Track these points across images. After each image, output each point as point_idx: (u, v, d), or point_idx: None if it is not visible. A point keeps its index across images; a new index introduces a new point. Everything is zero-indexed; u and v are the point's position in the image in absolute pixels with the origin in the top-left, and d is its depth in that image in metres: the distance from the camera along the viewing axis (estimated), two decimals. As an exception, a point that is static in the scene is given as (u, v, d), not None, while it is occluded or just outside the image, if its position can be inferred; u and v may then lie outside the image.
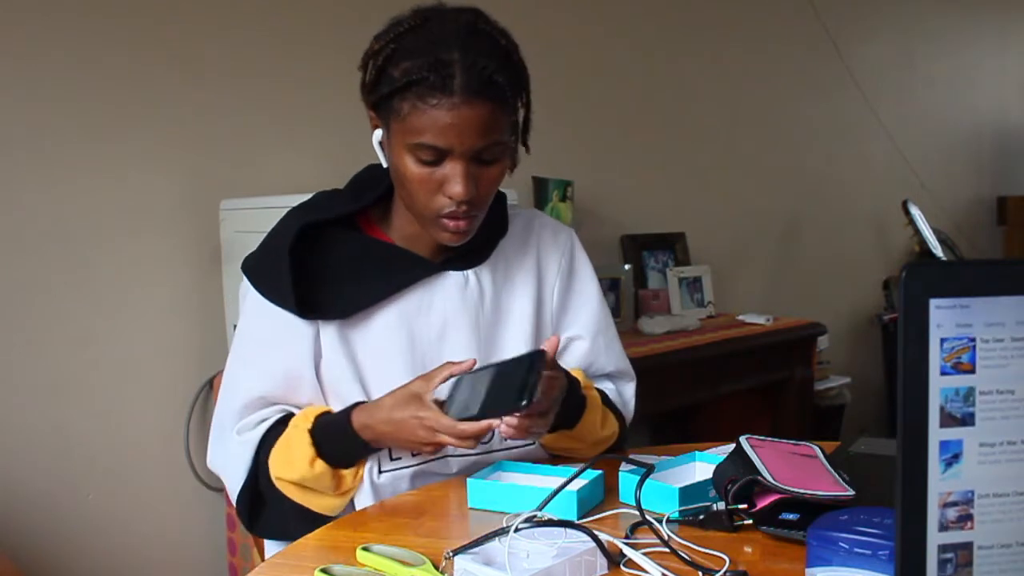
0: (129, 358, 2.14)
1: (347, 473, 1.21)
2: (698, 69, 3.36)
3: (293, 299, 1.22)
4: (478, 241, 1.28)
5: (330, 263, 1.26)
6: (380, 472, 1.24)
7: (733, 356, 2.74)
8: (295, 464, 1.18)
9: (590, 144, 2.89)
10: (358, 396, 1.24)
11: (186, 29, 2.17)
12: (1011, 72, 5.07)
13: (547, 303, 1.37)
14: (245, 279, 1.29)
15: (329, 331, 1.24)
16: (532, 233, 1.37)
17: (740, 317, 3.04)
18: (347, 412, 1.19)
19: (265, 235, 1.30)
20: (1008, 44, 5.07)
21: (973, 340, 0.65)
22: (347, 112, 2.31)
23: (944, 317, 0.64)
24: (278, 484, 1.20)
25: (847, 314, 4.03)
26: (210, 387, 2.23)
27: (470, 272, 1.30)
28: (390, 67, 1.15)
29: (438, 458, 1.27)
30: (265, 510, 1.24)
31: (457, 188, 1.16)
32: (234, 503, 1.26)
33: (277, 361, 1.24)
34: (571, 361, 1.38)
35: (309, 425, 1.19)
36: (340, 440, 1.18)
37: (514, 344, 1.31)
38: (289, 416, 1.25)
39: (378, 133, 1.22)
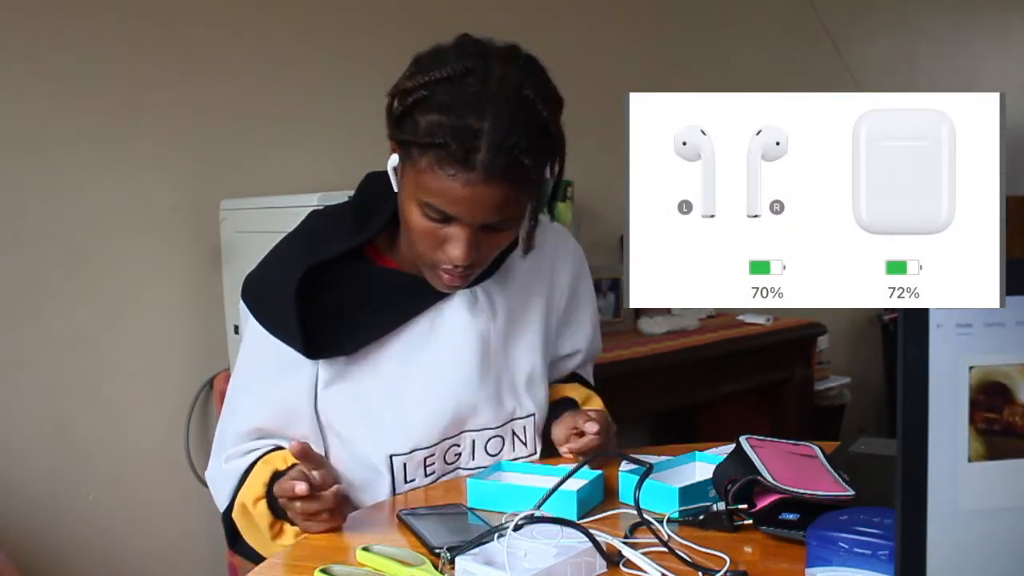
0: (129, 358, 2.14)
1: (290, 530, 1.17)
2: (698, 68, 3.36)
3: (301, 342, 1.19)
4: None
5: (337, 299, 1.22)
6: (395, 493, 1.24)
7: (733, 356, 2.73)
8: (248, 488, 1.19)
9: (590, 144, 2.89)
10: (356, 429, 1.24)
11: (186, 29, 2.17)
12: (1011, 72, 5.06)
13: (555, 311, 1.38)
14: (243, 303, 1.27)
15: (329, 366, 1.22)
16: (546, 245, 1.34)
17: (740, 317, 3.03)
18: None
19: (266, 256, 1.27)
20: (1008, 44, 5.07)
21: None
22: (347, 112, 2.32)
23: (944, 317, 0.64)
24: (235, 507, 1.21)
25: (847, 314, 4.02)
26: (210, 387, 2.23)
27: (478, 289, 1.28)
28: (417, 112, 1.08)
29: (449, 473, 1.28)
30: (242, 535, 1.25)
31: (457, 252, 1.12)
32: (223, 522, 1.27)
33: (276, 393, 1.23)
34: (568, 368, 1.45)
35: (280, 467, 1.17)
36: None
37: (526, 359, 1.32)
38: (276, 450, 1.24)
39: (394, 159, 1.15)
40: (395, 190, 1.18)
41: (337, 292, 1.22)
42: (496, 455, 1.30)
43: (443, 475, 1.28)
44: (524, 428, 1.31)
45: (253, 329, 1.24)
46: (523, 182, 1.09)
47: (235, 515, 1.21)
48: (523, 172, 1.08)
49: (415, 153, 1.08)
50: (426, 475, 1.26)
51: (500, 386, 1.29)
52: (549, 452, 1.39)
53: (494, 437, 1.29)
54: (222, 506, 1.25)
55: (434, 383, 1.24)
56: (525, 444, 1.32)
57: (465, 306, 1.27)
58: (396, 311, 1.24)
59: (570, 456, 1.28)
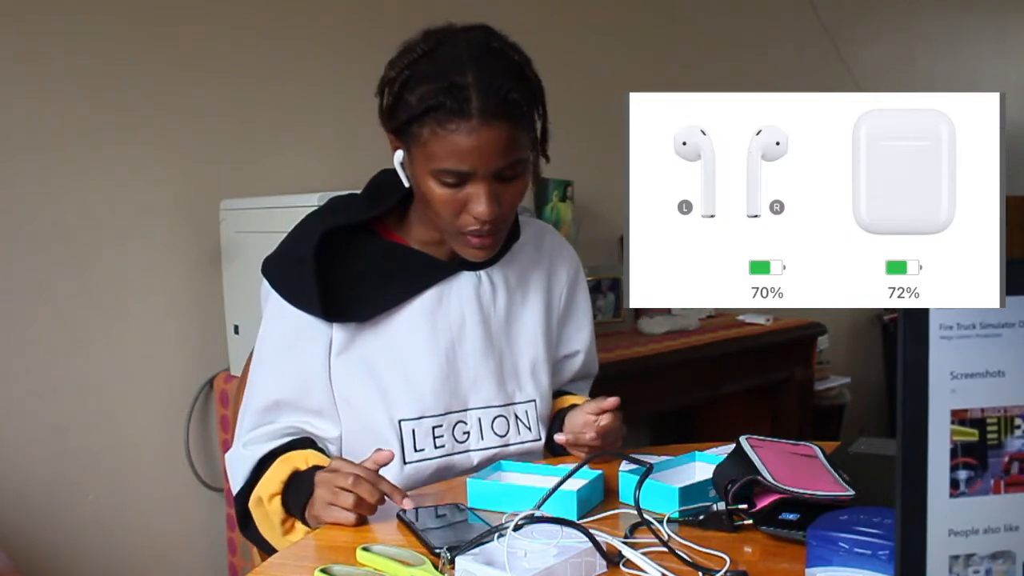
0: (129, 358, 2.14)
1: (300, 528, 1.21)
2: (698, 68, 3.36)
3: (318, 303, 1.24)
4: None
5: (351, 268, 1.29)
6: (405, 463, 1.27)
7: (733, 356, 2.73)
8: (265, 483, 1.23)
9: (590, 144, 2.89)
10: (366, 394, 1.28)
11: (186, 29, 2.17)
12: (1011, 73, 5.06)
13: (554, 308, 1.43)
14: (265, 283, 1.31)
15: (341, 333, 1.28)
16: (544, 244, 1.43)
17: (740, 317, 3.03)
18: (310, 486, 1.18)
19: (284, 238, 1.33)
20: (1008, 45, 5.07)
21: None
22: (347, 112, 2.32)
23: (945, 317, 0.64)
24: (251, 498, 1.25)
25: (847, 314, 4.03)
26: (210, 387, 2.23)
27: (483, 272, 1.34)
28: (406, 93, 1.17)
29: (460, 452, 1.31)
30: (253, 520, 1.28)
31: (481, 208, 1.18)
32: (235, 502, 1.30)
33: (291, 364, 1.28)
34: (572, 369, 1.49)
35: (300, 467, 1.22)
36: (300, 495, 1.19)
37: (526, 343, 1.37)
38: (299, 440, 1.28)
39: (399, 154, 1.24)
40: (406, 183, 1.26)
41: (351, 262, 1.29)
42: (504, 435, 1.33)
43: (454, 452, 1.30)
44: (527, 413, 1.36)
45: (272, 305, 1.30)
46: (518, 118, 1.17)
47: (251, 505, 1.25)
48: (515, 109, 1.16)
49: (415, 129, 1.16)
50: (435, 447, 1.29)
51: (502, 366, 1.34)
52: (550, 450, 1.40)
53: (499, 417, 1.33)
54: (236, 488, 1.28)
55: (440, 352, 1.30)
56: (529, 429, 1.36)
57: (471, 284, 1.33)
58: (406, 284, 1.30)
59: (582, 447, 1.29)
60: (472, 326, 1.32)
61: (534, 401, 1.37)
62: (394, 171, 1.27)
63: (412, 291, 1.30)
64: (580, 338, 1.47)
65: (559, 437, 1.31)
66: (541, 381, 1.38)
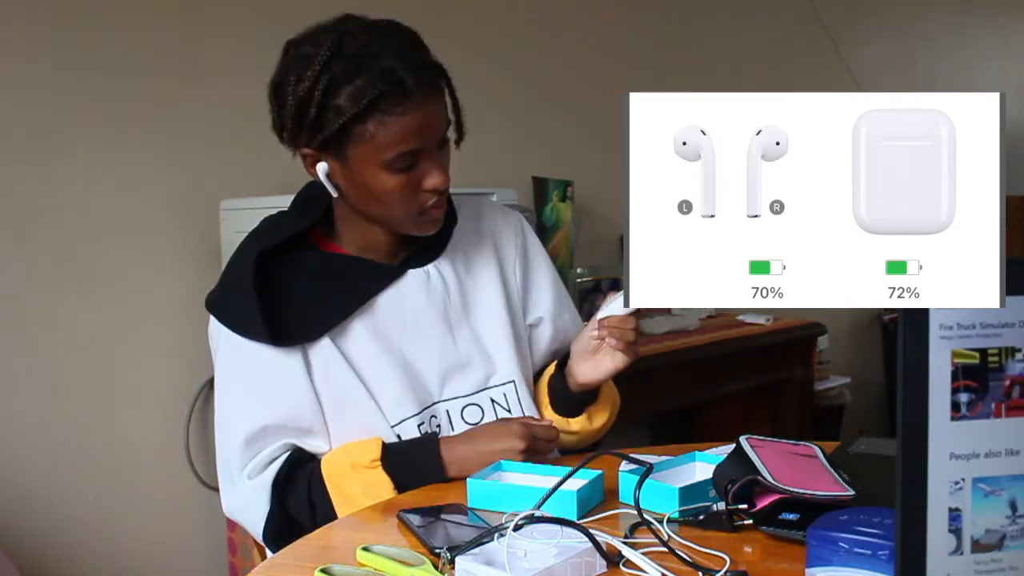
0: (129, 358, 2.14)
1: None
2: (698, 68, 3.36)
3: (266, 331, 1.21)
4: (432, 236, 1.30)
5: (293, 286, 1.26)
6: None
7: (733, 356, 2.73)
8: (361, 451, 1.22)
9: (590, 144, 2.89)
10: (366, 403, 1.26)
11: (186, 29, 2.17)
12: (1011, 73, 5.06)
13: (512, 283, 1.40)
14: (212, 320, 1.28)
15: (321, 347, 1.25)
16: (483, 219, 1.40)
17: (740, 317, 3.03)
18: (431, 449, 1.22)
19: (224, 269, 1.30)
20: (1008, 45, 5.07)
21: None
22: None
23: (945, 317, 0.64)
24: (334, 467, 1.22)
25: (847, 314, 4.03)
26: (210, 387, 2.23)
27: (430, 267, 1.32)
28: (332, 98, 1.14)
29: None
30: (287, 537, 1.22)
31: (437, 179, 1.19)
32: (260, 541, 1.24)
33: (273, 388, 1.24)
34: (543, 341, 1.42)
35: (380, 463, 1.21)
36: (420, 475, 1.20)
37: (491, 325, 1.34)
38: (301, 456, 1.25)
39: (322, 167, 1.21)
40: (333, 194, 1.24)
41: (293, 279, 1.26)
42: (477, 423, 1.31)
43: None
44: (504, 395, 1.34)
45: (226, 343, 1.26)
46: (444, 80, 1.20)
47: (328, 477, 1.21)
48: (440, 72, 1.19)
49: (356, 128, 1.15)
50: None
51: (468, 354, 1.32)
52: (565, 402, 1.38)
53: (469, 405, 1.32)
54: (260, 523, 1.21)
55: (397, 357, 1.28)
56: (509, 411, 1.33)
57: (419, 282, 1.31)
58: (354, 293, 1.28)
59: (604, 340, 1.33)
60: (427, 323, 1.30)
61: (512, 382, 1.34)
62: (320, 183, 1.24)
63: (358, 301, 1.27)
64: (543, 304, 1.41)
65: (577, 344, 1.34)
66: (516, 361, 1.35)
